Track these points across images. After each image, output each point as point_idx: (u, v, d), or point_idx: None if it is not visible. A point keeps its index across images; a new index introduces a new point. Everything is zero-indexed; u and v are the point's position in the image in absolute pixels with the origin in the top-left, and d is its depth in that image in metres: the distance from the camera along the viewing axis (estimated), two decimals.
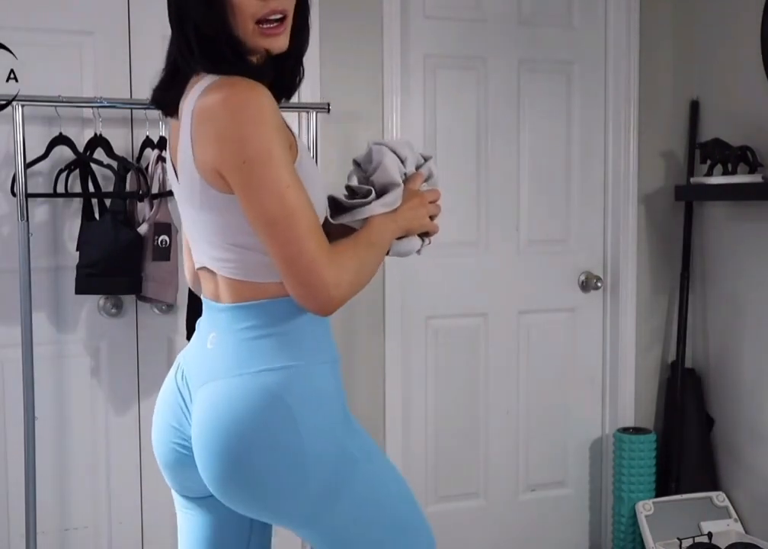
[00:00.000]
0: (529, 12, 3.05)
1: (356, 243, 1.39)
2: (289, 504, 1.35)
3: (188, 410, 1.45)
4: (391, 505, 1.45)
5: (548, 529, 3.20)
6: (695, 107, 3.15)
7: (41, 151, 2.45)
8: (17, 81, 2.37)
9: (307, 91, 2.70)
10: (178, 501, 1.56)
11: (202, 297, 1.51)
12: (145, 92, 2.55)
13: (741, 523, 3.00)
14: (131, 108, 2.55)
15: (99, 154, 2.49)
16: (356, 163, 1.54)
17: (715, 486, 3.09)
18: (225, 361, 1.40)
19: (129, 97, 2.59)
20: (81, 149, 2.47)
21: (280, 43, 1.40)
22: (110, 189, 2.50)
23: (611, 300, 3.21)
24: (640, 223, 3.18)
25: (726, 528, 2.96)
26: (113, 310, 2.62)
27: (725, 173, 2.90)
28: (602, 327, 3.23)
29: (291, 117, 2.75)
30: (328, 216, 1.46)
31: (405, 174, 1.53)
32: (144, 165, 2.52)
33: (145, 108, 2.48)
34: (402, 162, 1.52)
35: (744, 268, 2.99)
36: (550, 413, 3.18)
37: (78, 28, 2.56)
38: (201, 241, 1.44)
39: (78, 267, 2.42)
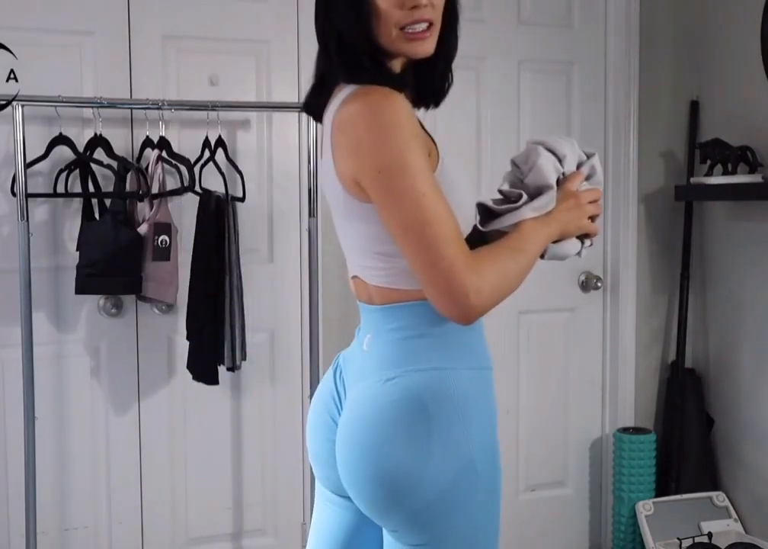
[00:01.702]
0: (529, 12, 3.05)
1: (500, 249, 1.36)
2: (402, 501, 1.35)
3: (342, 408, 1.48)
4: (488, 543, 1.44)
5: (548, 529, 3.20)
6: (695, 107, 3.15)
7: (41, 151, 2.44)
8: (17, 81, 2.37)
9: (307, 90, 2.69)
10: (325, 495, 1.57)
11: (358, 303, 1.52)
12: (145, 92, 2.57)
13: (741, 523, 3.00)
14: (131, 108, 2.55)
15: (99, 154, 2.48)
16: (514, 163, 1.48)
17: (715, 486, 3.09)
18: (375, 361, 1.42)
19: (129, 97, 2.59)
20: (81, 149, 2.47)
21: (425, 47, 1.39)
22: (110, 189, 2.50)
23: (611, 300, 3.21)
24: (640, 223, 3.18)
25: (726, 528, 2.96)
26: (113, 310, 2.62)
27: (725, 173, 2.91)
28: (602, 327, 3.23)
29: (292, 117, 2.75)
30: (477, 224, 1.43)
31: (564, 173, 1.46)
32: (144, 165, 2.52)
33: (145, 108, 2.49)
34: (560, 160, 1.45)
35: (744, 268, 2.99)
36: (550, 413, 3.18)
37: (78, 28, 2.56)
38: (350, 249, 1.46)
39: (78, 267, 2.42)
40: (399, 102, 1.33)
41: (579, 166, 1.49)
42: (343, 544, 1.56)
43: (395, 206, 1.30)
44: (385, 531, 1.43)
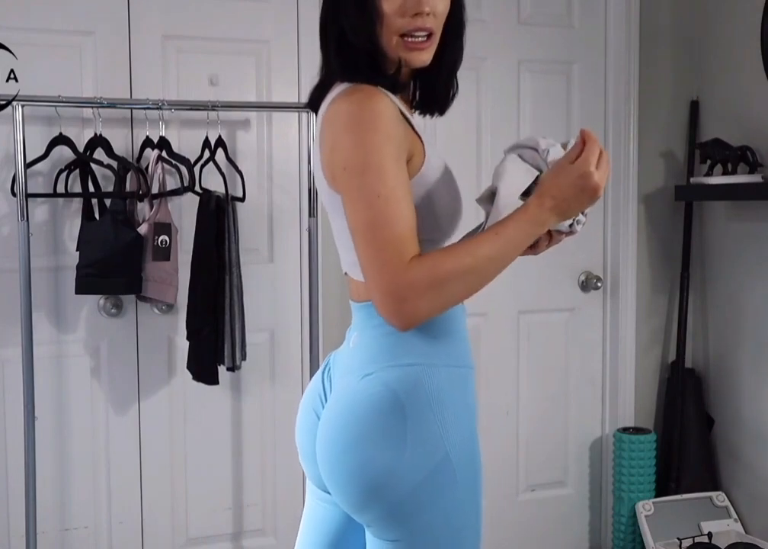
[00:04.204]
0: (529, 12, 3.05)
1: (459, 255, 1.30)
2: (377, 495, 1.36)
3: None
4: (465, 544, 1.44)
5: (548, 529, 3.20)
6: (695, 107, 3.15)
7: (41, 151, 2.44)
8: (17, 81, 2.37)
9: (307, 90, 2.69)
10: (315, 493, 1.59)
11: (349, 301, 1.52)
12: (145, 92, 2.57)
13: (741, 523, 3.00)
14: (131, 108, 2.55)
15: (99, 154, 2.48)
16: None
17: (715, 486, 3.09)
18: (358, 358, 1.44)
19: (129, 97, 2.59)
20: (81, 149, 2.47)
21: (422, 57, 1.40)
22: (110, 189, 2.50)
23: (611, 300, 3.21)
24: (640, 223, 3.18)
25: (726, 528, 2.96)
26: (113, 310, 2.62)
27: (725, 173, 2.91)
28: (602, 327, 3.23)
29: (292, 117, 2.75)
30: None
31: (544, 153, 1.38)
32: (144, 165, 2.52)
33: (145, 108, 2.49)
34: (537, 150, 1.39)
35: (744, 268, 2.99)
36: (550, 413, 3.18)
37: (78, 28, 2.56)
38: (339, 246, 1.48)
39: (78, 267, 2.42)
40: (382, 103, 1.32)
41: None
42: (331, 541, 1.57)
43: (350, 204, 1.32)
44: (365, 527, 1.43)
